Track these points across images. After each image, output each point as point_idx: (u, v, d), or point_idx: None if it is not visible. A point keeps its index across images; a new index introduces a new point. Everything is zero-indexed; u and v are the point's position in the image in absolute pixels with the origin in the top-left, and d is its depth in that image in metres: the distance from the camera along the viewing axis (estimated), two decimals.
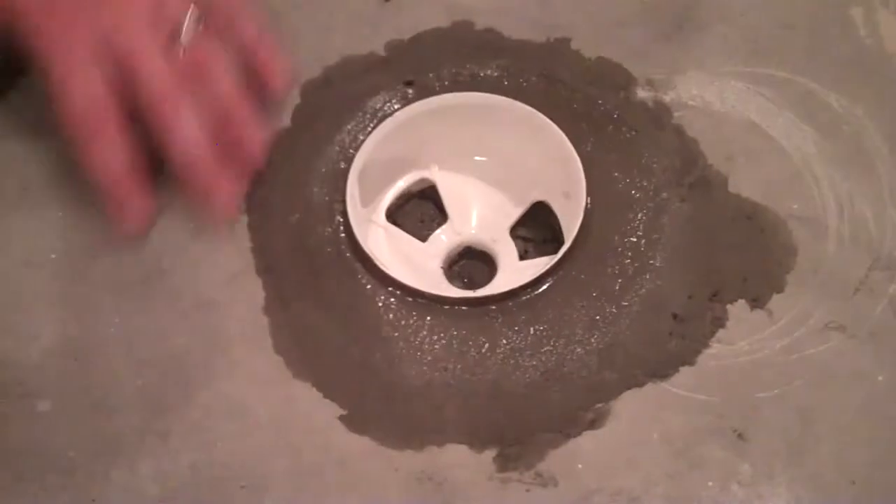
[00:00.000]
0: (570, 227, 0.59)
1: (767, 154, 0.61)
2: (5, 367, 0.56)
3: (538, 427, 0.53)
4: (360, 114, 0.64)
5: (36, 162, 0.62)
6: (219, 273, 0.58)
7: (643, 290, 0.57)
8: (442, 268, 0.65)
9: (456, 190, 0.66)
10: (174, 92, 0.56)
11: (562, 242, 0.62)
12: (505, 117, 0.63)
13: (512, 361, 0.55)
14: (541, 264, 0.61)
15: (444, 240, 0.65)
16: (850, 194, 0.60)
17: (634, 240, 0.59)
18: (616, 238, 0.59)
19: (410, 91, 0.64)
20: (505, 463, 0.52)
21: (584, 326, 0.56)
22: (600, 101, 0.63)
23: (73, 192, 0.61)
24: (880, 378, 0.54)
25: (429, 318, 0.57)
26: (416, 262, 0.64)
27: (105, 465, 0.53)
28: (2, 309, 0.58)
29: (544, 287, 0.58)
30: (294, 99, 0.64)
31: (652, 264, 0.58)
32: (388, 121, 0.62)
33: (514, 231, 0.65)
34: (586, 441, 0.53)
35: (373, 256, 0.57)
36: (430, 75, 0.65)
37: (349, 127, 0.63)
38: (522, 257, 0.65)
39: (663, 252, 0.58)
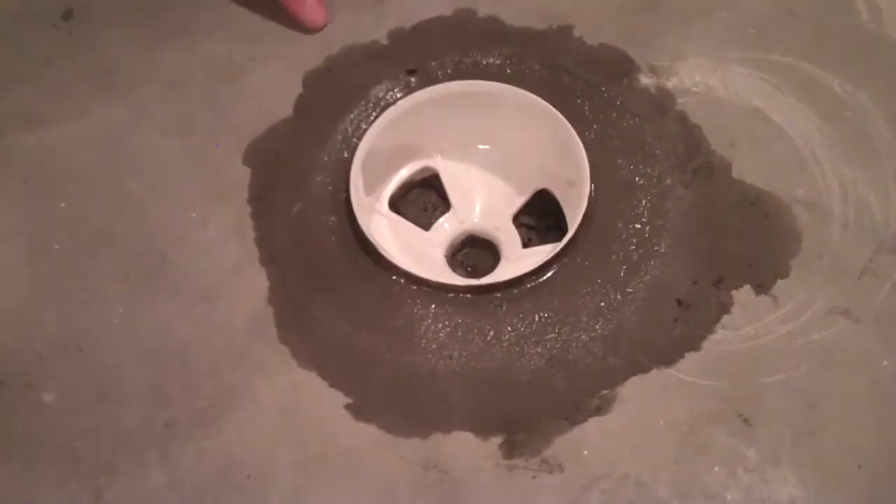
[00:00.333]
0: (574, 215, 0.59)
1: (771, 139, 0.61)
2: (10, 357, 0.56)
3: (544, 414, 0.53)
4: (363, 102, 0.64)
5: (37, 154, 0.62)
6: (223, 263, 0.58)
7: (648, 277, 0.57)
8: (445, 256, 0.65)
9: (459, 178, 0.66)
10: None
11: (565, 230, 0.62)
12: (508, 105, 0.62)
13: (517, 349, 0.55)
14: (544, 252, 0.61)
15: (447, 228, 0.65)
16: (854, 179, 0.59)
17: (638, 226, 0.59)
18: (620, 225, 0.59)
19: (413, 79, 0.64)
20: (511, 450, 0.52)
21: (588, 313, 0.56)
22: (603, 88, 0.63)
23: (76, 183, 0.61)
24: (885, 362, 0.54)
25: (433, 306, 0.57)
26: (419, 251, 0.64)
27: (111, 454, 0.53)
28: (6, 300, 0.58)
29: (549, 274, 0.57)
30: (296, 88, 0.64)
31: (656, 251, 0.58)
32: (391, 109, 0.62)
33: (517, 219, 0.65)
34: (592, 427, 0.53)
35: (377, 245, 0.57)
36: (433, 63, 0.65)
37: (352, 116, 0.63)
38: (526, 245, 0.65)
39: (667, 238, 0.58)
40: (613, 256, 0.58)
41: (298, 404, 0.54)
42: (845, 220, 0.58)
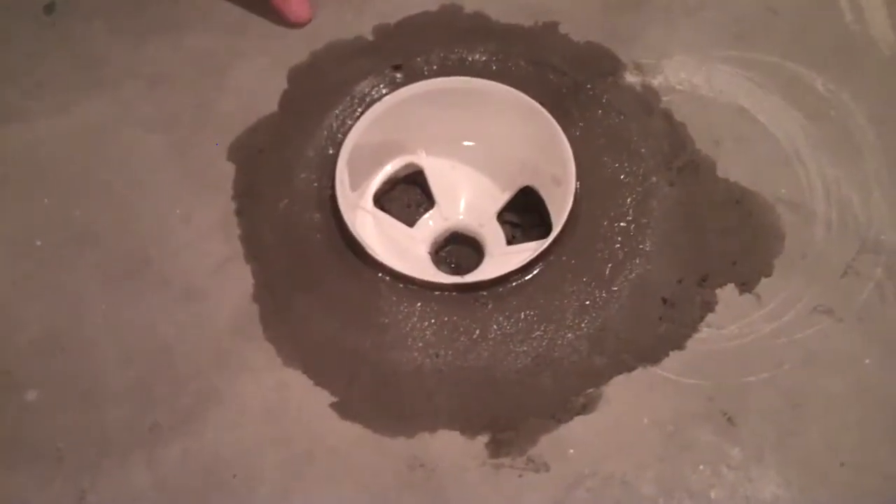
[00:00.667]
0: (559, 212, 0.59)
1: (755, 138, 0.61)
2: None
3: (530, 412, 0.53)
4: (348, 98, 0.63)
5: (19, 149, 0.62)
6: (207, 261, 0.58)
7: (633, 275, 0.57)
8: (429, 253, 0.64)
9: (443, 175, 0.66)
10: None
11: (549, 227, 0.62)
12: (494, 102, 0.62)
13: (503, 347, 0.55)
14: (528, 249, 0.61)
15: (431, 225, 0.65)
16: (837, 178, 0.60)
17: (624, 224, 0.59)
18: (605, 223, 0.59)
19: (398, 75, 0.64)
20: (497, 448, 0.52)
21: (574, 311, 0.56)
22: (589, 86, 0.63)
23: (59, 179, 0.60)
24: (867, 361, 0.54)
25: (419, 304, 0.56)
26: (403, 247, 0.64)
27: (95, 455, 0.52)
28: None
29: (534, 272, 0.57)
30: (281, 83, 0.64)
31: (641, 249, 0.58)
32: (377, 105, 0.61)
33: (502, 216, 0.65)
34: (578, 426, 0.53)
35: (363, 243, 0.57)
36: (419, 59, 0.65)
37: (337, 112, 0.63)
38: (510, 242, 0.65)
39: (652, 236, 0.58)
40: (599, 254, 0.58)
41: (284, 403, 0.54)
42: (828, 219, 0.59)
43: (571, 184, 0.59)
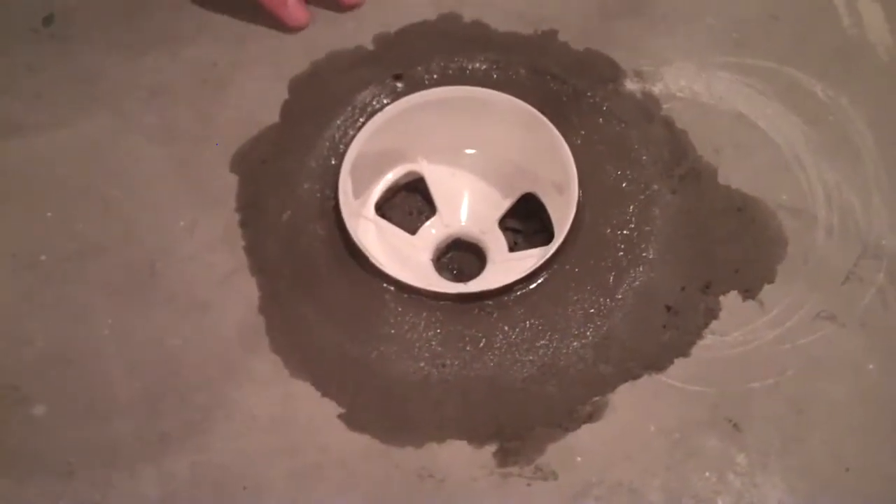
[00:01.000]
0: (562, 220, 0.59)
1: (756, 145, 0.62)
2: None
3: (537, 421, 0.54)
4: (350, 108, 0.63)
5: (20, 163, 0.61)
6: (213, 273, 0.58)
7: (636, 283, 0.57)
8: (431, 260, 0.65)
9: (444, 182, 0.66)
10: None
11: (551, 233, 0.63)
12: (494, 110, 0.62)
13: (509, 356, 0.56)
14: (531, 256, 0.62)
15: (433, 232, 0.66)
16: (838, 183, 0.60)
17: (626, 232, 0.59)
18: (608, 231, 0.59)
19: (399, 85, 0.64)
20: (505, 458, 0.53)
21: (579, 320, 0.57)
22: (589, 94, 0.63)
23: (60, 193, 0.60)
24: (871, 366, 0.55)
25: (425, 314, 0.57)
26: (405, 255, 0.64)
27: (105, 469, 0.52)
28: None
29: (539, 281, 0.58)
30: (282, 94, 0.64)
31: (644, 257, 0.58)
32: (378, 115, 0.61)
33: (504, 223, 0.66)
34: (585, 434, 0.53)
35: (368, 253, 0.57)
36: (419, 68, 0.65)
37: (338, 122, 0.63)
38: (512, 249, 0.65)
39: (655, 244, 0.59)
40: (602, 263, 0.58)
41: (292, 414, 0.54)
42: (830, 224, 0.59)
43: (574, 192, 0.59)
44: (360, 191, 0.63)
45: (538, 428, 0.54)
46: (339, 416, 0.54)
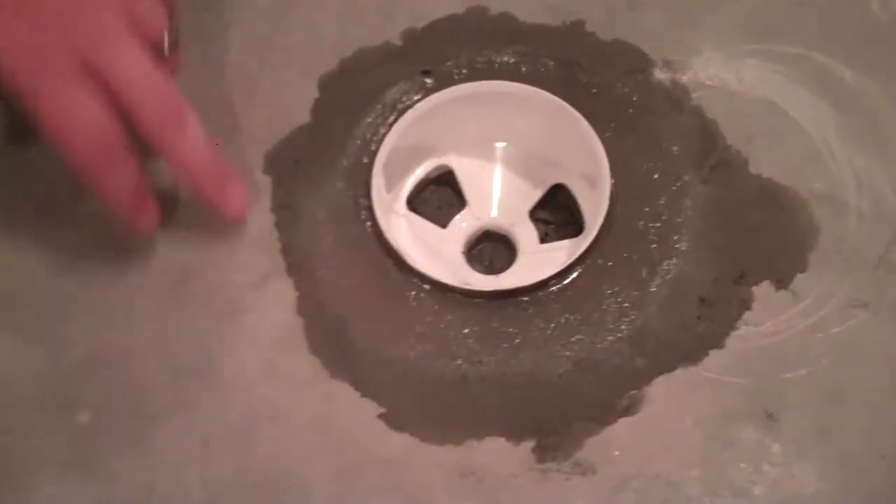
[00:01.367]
0: (594, 214, 0.59)
1: (786, 133, 0.62)
2: (42, 378, 0.56)
3: (574, 416, 0.54)
4: (380, 106, 0.64)
5: (54, 167, 0.61)
6: (249, 275, 0.58)
7: (670, 276, 0.58)
8: (463, 253, 0.65)
9: (474, 175, 0.66)
10: (174, 109, 0.54)
11: (580, 225, 0.63)
12: (524, 104, 0.63)
13: (545, 352, 0.56)
14: (561, 247, 0.62)
15: (463, 225, 0.66)
16: (869, 170, 0.60)
17: (659, 224, 0.59)
18: (640, 223, 0.59)
19: (428, 80, 0.64)
20: (543, 453, 0.53)
21: (613, 314, 0.57)
22: (618, 85, 0.64)
23: None
24: None
25: (460, 311, 0.57)
26: (437, 249, 0.64)
27: (149, 474, 0.53)
28: (36, 319, 0.58)
29: (573, 276, 0.58)
30: (313, 93, 0.64)
31: (677, 248, 0.58)
32: (409, 113, 0.62)
33: (534, 214, 0.66)
34: (622, 428, 0.54)
35: (402, 253, 0.58)
36: (448, 63, 0.65)
37: (369, 120, 0.63)
38: (543, 240, 0.65)
39: (687, 236, 0.59)
40: (635, 256, 0.59)
41: (332, 415, 0.55)
42: (861, 212, 0.59)
43: (606, 185, 0.59)
44: (390, 186, 0.64)
45: (576, 423, 0.54)
46: (380, 416, 0.54)
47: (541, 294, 0.58)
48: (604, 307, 0.57)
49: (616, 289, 0.58)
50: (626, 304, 0.57)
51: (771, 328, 0.56)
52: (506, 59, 0.65)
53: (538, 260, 0.62)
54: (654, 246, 0.59)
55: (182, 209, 0.60)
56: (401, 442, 0.54)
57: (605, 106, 0.63)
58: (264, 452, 0.54)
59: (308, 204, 0.61)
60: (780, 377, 0.55)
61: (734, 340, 0.56)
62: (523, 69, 0.65)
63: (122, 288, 0.58)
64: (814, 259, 0.58)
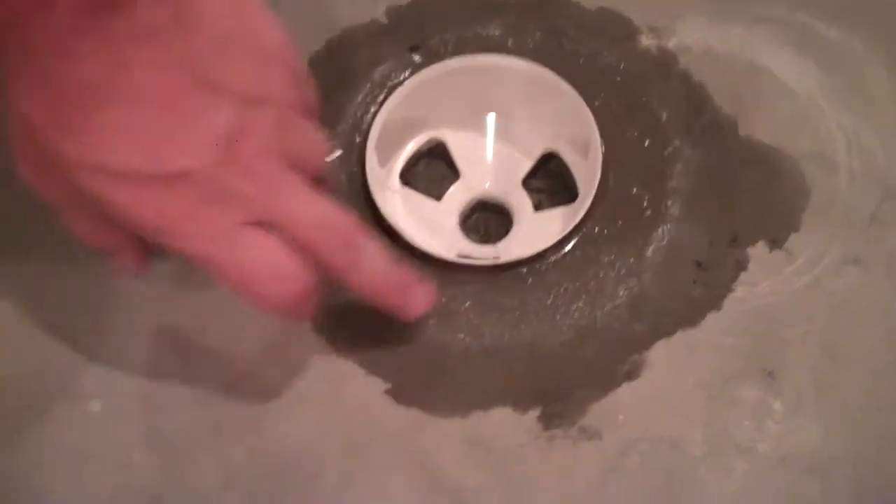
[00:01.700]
0: (587, 184, 0.60)
1: (773, 94, 0.62)
2: (53, 370, 0.56)
3: (577, 384, 0.55)
4: (369, 85, 0.64)
5: None
6: None
7: (665, 241, 0.59)
8: (458, 224, 0.65)
9: (466, 146, 0.67)
10: (352, 240, 0.50)
11: (574, 192, 0.64)
12: (513, 76, 0.63)
13: (546, 322, 0.57)
14: (556, 215, 0.63)
15: (457, 197, 0.66)
16: (857, 127, 0.61)
17: (651, 191, 0.60)
18: (633, 190, 0.60)
19: (416, 57, 0.65)
20: (549, 421, 0.54)
21: (611, 281, 0.58)
22: (605, 53, 0.64)
23: None
24: None
25: (460, 285, 0.58)
26: (432, 222, 0.65)
27: (163, 460, 0.54)
28: (36, 311, 0.58)
29: (570, 246, 0.59)
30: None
31: (671, 214, 0.59)
32: (399, 90, 0.62)
33: (527, 183, 0.66)
34: (624, 393, 0.55)
35: (399, 229, 0.58)
36: (435, 39, 0.65)
37: (359, 99, 0.63)
38: (537, 208, 0.65)
39: (680, 201, 0.60)
40: (630, 223, 0.59)
41: (340, 393, 0.55)
42: (851, 169, 0.60)
43: (598, 154, 0.60)
44: (383, 162, 0.64)
45: (579, 390, 0.55)
46: (386, 392, 0.55)
47: (539, 265, 0.58)
48: (601, 275, 0.58)
49: (612, 256, 0.58)
50: (623, 272, 0.58)
51: (767, 288, 0.57)
52: (493, 31, 0.65)
53: (533, 228, 0.63)
54: (648, 212, 0.59)
55: None
56: (408, 416, 0.55)
57: (593, 75, 0.64)
58: (275, 433, 0.54)
59: None
60: (778, 336, 0.56)
61: (731, 302, 0.57)
62: (510, 41, 0.65)
63: (123, 278, 0.59)
64: (807, 218, 0.59)
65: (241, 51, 0.46)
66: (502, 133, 0.67)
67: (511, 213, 0.66)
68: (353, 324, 0.57)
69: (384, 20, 0.66)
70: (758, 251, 0.58)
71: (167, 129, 0.43)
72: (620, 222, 0.59)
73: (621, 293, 0.57)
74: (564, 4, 0.66)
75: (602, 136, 0.61)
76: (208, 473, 0.53)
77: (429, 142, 0.67)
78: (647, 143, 0.61)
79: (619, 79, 0.63)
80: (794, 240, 0.58)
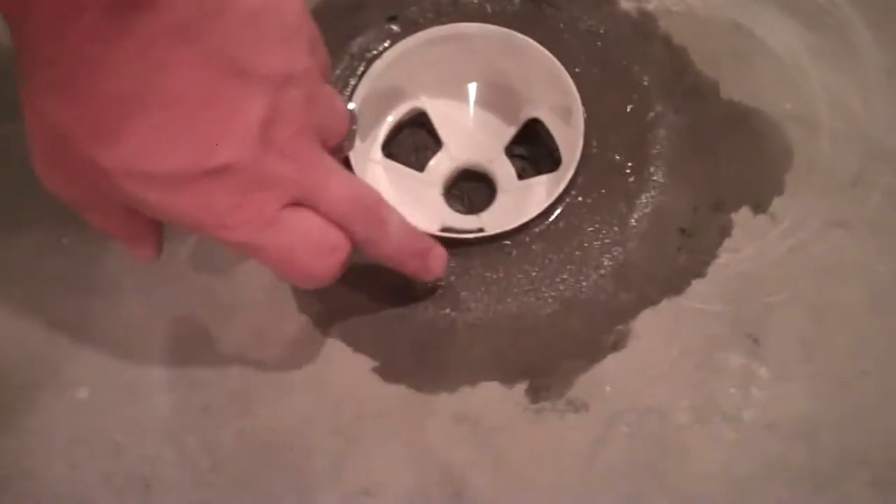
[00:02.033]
0: (570, 152, 0.60)
1: (755, 55, 0.62)
2: (39, 359, 0.56)
3: (564, 356, 0.55)
4: (348, 57, 0.63)
5: None
6: None
7: (648, 208, 0.58)
8: (442, 194, 0.65)
9: (448, 115, 0.66)
10: (377, 211, 0.50)
11: (557, 158, 0.63)
12: (492, 44, 0.62)
13: (531, 294, 0.57)
14: (539, 182, 0.62)
15: (440, 167, 0.66)
16: (840, 88, 0.60)
17: (634, 157, 0.60)
18: (616, 157, 0.60)
19: (395, 27, 0.64)
20: (536, 394, 0.54)
21: (595, 251, 0.58)
22: (585, 17, 0.63)
23: None
24: (882, 269, 0.56)
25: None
26: (416, 193, 0.64)
27: (152, 444, 0.54)
28: (22, 300, 0.58)
29: (553, 216, 0.59)
30: None
31: (654, 180, 0.59)
32: (378, 62, 0.62)
33: (510, 150, 0.66)
34: (611, 364, 0.55)
35: None
36: (413, 8, 0.64)
37: (338, 72, 0.63)
38: (520, 176, 0.65)
39: (664, 167, 0.59)
40: (613, 191, 0.59)
41: (327, 372, 0.56)
42: (834, 131, 0.59)
43: (580, 120, 0.60)
44: (364, 134, 0.64)
45: (566, 362, 0.55)
46: (374, 370, 0.55)
47: (523, 236, 0.58)
48: (586, 245, 0.58)
49: (596, 225, 0.58)
50: (607, 241, 0.58)
51: (751, 253, 0.57)
52: None
53: (517, 196, 0.63)
54: (631, 179, 0.59)
55: None
56: (396, 393, 0.55)
57: (573, 41, 0.63)
58: (264, 415, 0.55)
59: None
60: (762, 301, 0.56)
61: (716, 268, 0.57)
62: (489, 9, 0.64)
63: (107, 263, 0.58)
64: (790, 181, 0.59)
65: (265, 29, 0.45)
66: (484, 101, 0.66)
67: (495, 182, 0.65)
68: (339, 303, 0.57)
69: None
70: (742, 216, 0.58)
71: (205, 126, 0.42)
72: (604, 190, 0.59)
73: (606, 263, 0.57)
74: None
75: (584, 102, 0.60)
76: (197, 456, 0.54)
77: (410, 111, 0.66)
78: (629, 109, 0.61)
79: (599, 43, 0.63)
80: (777, 203, 0.58)
